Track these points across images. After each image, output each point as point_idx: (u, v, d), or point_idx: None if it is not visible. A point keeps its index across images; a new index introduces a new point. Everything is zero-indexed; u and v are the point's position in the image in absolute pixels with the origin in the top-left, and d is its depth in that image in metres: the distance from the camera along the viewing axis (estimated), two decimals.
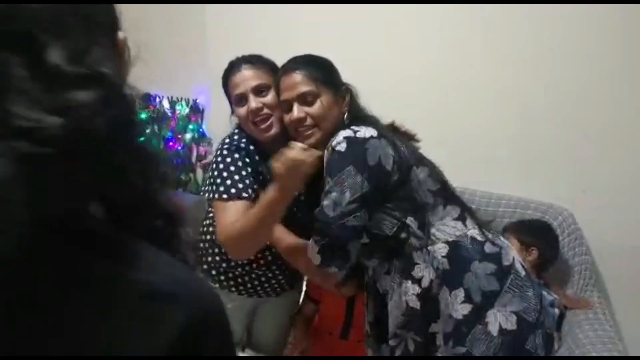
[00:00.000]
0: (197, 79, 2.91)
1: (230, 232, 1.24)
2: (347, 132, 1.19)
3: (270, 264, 1.49)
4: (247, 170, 1.34)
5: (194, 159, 3.10)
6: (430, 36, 2.16)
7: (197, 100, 2.96)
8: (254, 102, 1.32)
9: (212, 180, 1.34)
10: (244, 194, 1.30)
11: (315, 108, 1.27)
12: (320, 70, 1.31)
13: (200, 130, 2.99)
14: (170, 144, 3.08)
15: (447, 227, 1.22)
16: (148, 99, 3.08)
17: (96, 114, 0.41)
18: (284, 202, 1.21)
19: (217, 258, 1.53)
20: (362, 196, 1.14)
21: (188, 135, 2.98)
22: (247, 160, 1.36)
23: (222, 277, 1.55)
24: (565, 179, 2.06)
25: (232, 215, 1.27)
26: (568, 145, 2.03)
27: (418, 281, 1.21)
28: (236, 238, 1.24)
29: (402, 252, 1.23)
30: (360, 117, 1.29)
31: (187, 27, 2.77)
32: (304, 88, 1.26)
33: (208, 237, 1.55)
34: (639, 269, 2.00)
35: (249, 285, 1.54)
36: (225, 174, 1.33)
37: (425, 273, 1.20)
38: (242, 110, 1.34)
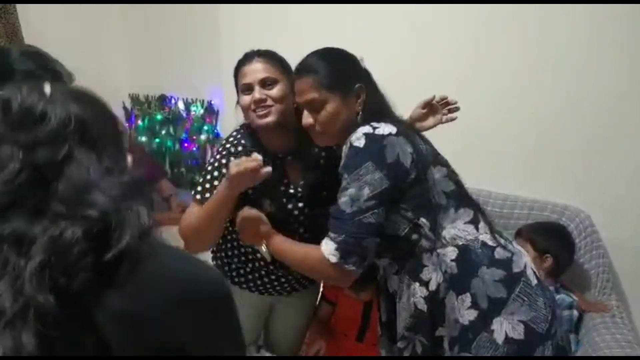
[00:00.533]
0: (211, 81, 2.93)
1: (184, 225, 1.37)
2: (366, 129, 1.16)
3: (276, 262, 1.48)
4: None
5: (208, 160, 3.11)
6: (440, 36, 2.15)
7: (212, 102, 2.98)
8: (258, 92, 1.37)
9: (199, 180, 1.43)
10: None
11: (322, 116, 1.25)
12: (331, 74, 1.25)
13: (215, 131, 3.01)
14: (186, 145, 3.11)
15: (458, 231, 1.20)
16: (164, 100, 3.11)
17: None
18: (231, 200, 1.31)
19: (230, 253, 1.56)
20: (380, 193, 1.12)
21: (203, 137, 3.01)
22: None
23: (234, 274, 1.58)
24: (582, 180, 2.04)
25: (188, 211, 1.39)
26: (584, 146, 2.01)
27: (426, 284, 1.19)
28: (190, 231, 1.36)
29: (412, 253, 1.21)
30: (377, 114, 1.24)
31: (201, 28, 2.80)
32: (310, 96, 1.25)
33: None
34: None
35: (259, 282, 1.56)
36: (208, 177, 1.41)
37: (433, 276, 1.19)
38: (246, 99, 1.38)
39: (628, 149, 1.94)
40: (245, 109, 1.40)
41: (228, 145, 1.44)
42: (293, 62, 1.38)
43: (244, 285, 1.57)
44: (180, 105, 3.07)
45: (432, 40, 2.17)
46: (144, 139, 3.16)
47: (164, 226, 2.61)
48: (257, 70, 1.39)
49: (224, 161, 1.40)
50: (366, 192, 1.12)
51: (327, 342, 1.73)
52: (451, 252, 1.18)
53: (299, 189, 1.44)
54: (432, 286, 1.18)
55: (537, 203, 2.01)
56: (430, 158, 1.22)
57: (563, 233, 1.91)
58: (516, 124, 2.08)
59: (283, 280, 1.56)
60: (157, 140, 3.17)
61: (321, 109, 1.25)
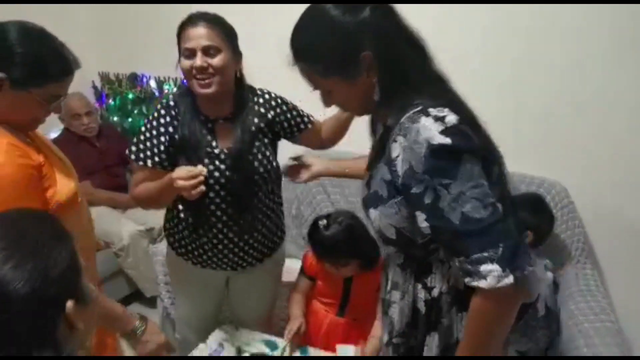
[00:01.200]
0: None
1: (132, 195, 1.51)
2: (432, 124, 0.90)
3: (224, 236, 1.51)
4: (164, 138, 1.43)
5: None
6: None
7: (185, 80, 2.91)
8: (200, 59, 1.35)
9: (133, 140, 1.48)
10: (148, 162, 1.44)
11: (337, 103, 1.08)
12: (321, 55, 1.01)
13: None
14: None
15: None
16: (135, 79, 3.03)
17: None
18: (173, 192, 1.33)
19: (180, 227, 1.56)
20: (495, 175, 0.96)
21: None
22: (172, 126, 1.44)
23: (184, 250, 1.57)
24: (559, 152, 2.06)
25: (135, 179, 1.49)
26: (560, 118, 2.02)
27: (429, 290, 1.07)
28: (136, 201, 1.52)
29: (424, 258, 1.06)
30: (401, 85, 0.95)
31: (174, 6, 2.71)
32: (315, 85, 1.04)
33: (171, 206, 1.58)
34: (632, 242, 2.02)
35: (211, 258, 1.55)
36: (142, 137, 1.46)
37: (437, 285, 1.05)
38: (187, 63, 1.37)
39: (604, 120, 1.96)
40: (187, 74, 1.39)
41: (163, 107, 1.48)
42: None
43: (195, 261, 1.55)
44: (152, 84, 2.99)
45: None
46: (115, 118, 3.08)
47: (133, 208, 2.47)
48: (200, 35, 1.36)
49: (161, 121, 1.45)
50: (485, 184, 0.90)
51: (308, 317, 1.73)
52: None
53: (225, 151, 1.44)
54: (434, 293, 1.06)
55: (514, 176, 2.03)
56: (495, 150, 1.02)
57: (541, 204, 1.93)
58: (494, 97, 2.08)
59: (235, 255, 1.54)
60: (129, 119, 3.09)
61: (331, 98, 1.04)
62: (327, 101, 1.04)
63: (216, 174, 1.43)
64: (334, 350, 1.59)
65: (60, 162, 1.12)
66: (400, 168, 0.93)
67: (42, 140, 1.21)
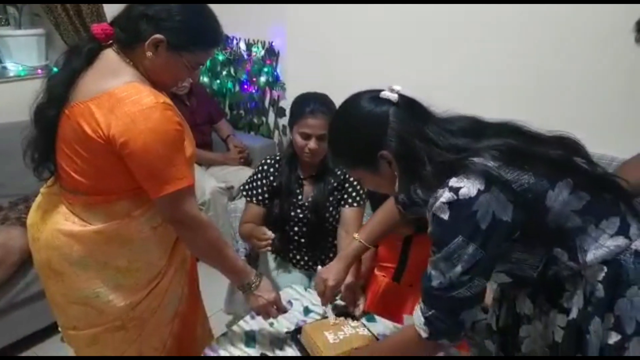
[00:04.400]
0: (273, 21, 2.89)
1: (241, 230, 1.80)
2: (447, 195, 0.95)
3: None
4: (269, 181, 1.80)
5: (267, 103, 3.13)
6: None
7: (273, 43, 2.95)
8: (314, 143, 1.69)
9: (247, 180, 1.86)
10: (253, 199, 1.82)
11: (372, 186, 1.19)
12: (346, 153, 1.12)
13: (275, 73, 3.00)
14: (245, 87, 3.12)
15: (605, 249, 0.99)
16: (225, 40, 3.11)
17: None
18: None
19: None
20: (476, 266, 0.96)
21: (262, 79, 3.01)
22: (272, 173, 1.82)
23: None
24: None
25: (246, 216, 1.83)
26: None
27: (566, 311, 1.03)
28: (241, 236, 1.84)
29: (552, 282, 1.04)
30: (418, 167, 1.01)
31: None
32: (350, 174, 1.25)
33: None
34: None
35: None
36: (254, 177, 1.84)
37: (574, 301, 1.02)
38: (302, 142, 1.71)
39: None
40: (299, 149, 1.73)
41: (271, 159, 1.86)
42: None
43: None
44: (242, 46, 3.06)
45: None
46: (205, 79, 3.20)
47: (222, 165, 2.68)
48: (319, 126, 1.66)
49: (266, 167, 1.83)
50: (459, 269, 0.96)
51: (367, 285, 1.76)
52: (598, 272, 0.99)
53: (309, 200, 1.78)
54: (573, 314, 1.02)
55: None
56: (545, 182, 0.97)
57: None
58: None
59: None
60: (218, 81, 3.20)
61: (365, 184, 1.25)
62: (363, 184, 1.18)
63: (296, 219, 1.79)
64: (398, 319, 1.60)
65: (184, 121, 1.23)
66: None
67: None
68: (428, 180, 1.00)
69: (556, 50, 2.04)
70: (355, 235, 1.42)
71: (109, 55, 1.14)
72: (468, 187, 0.94)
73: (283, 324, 1.44)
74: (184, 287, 1.40)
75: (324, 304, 1.45)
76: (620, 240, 0.99)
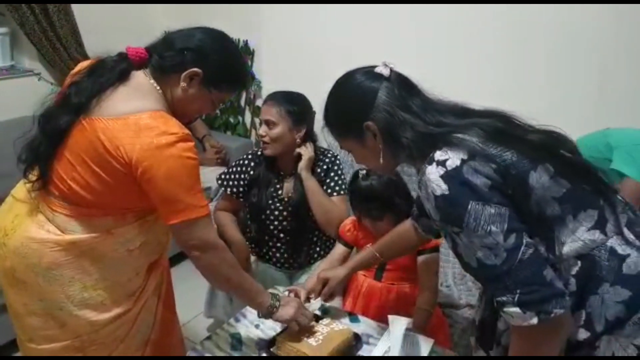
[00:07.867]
0: (248, 19, 2.85)
1: (218, 226, 1.79)
2: (435, 170, 0.95)
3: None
4: (248, 174, 1.87)
5: (242, 102, 3.09)
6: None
7: (248, 41, 2.91)
8: (263, 129, 1.79)
9: (225, 172, 1.92)
10: (227, 190, 1.90)
11: (360, 159, 1.17)
12: (335, 124, 1.15)
13: (250, 72, 2.96)
14: None
15: (581, 243, 0.98)
16: None
17: None
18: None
19: (247, 233, 1.94)
20: (509, 221, 0.92)
21: None
22: (252, 167, 1.88)
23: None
24: None
25: (220, 204, 1.94)
26: None
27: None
28: (216, 222, 1.85)
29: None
30: (399, 138, 1.02)
31: None
32: (341, 145, 1.18)
33: None
34: None
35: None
36: (232, 170, 1.90)
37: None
38: (260, 129, 1.83)
39: None
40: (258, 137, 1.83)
41: (252, 155, 1.91)
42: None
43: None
44: None
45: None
46: None
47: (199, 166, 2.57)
48: (267, 112, 1.79)
49: (246, 162, 1.89)
50: (495, 231, 0.92)
51: (348, 284, 1.74)
52: (573, 266, 0.99)
53: (289, 196, 1.84)
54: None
55: None
56: (526, 162, 0.97)
57: None
58: None
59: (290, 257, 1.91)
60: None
61: (354, 157, 1.17)
62: (355, 159, 1.17)
63: (276, 212, 1.85)
64: (381, 317, 1.58)
65: None
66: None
67: None
68: (410, 150, 1.02)
69: (551, 51, 2.06)
70: (368, 245, 1.49)
71: (139, 79, 1.16)
72: (452, 157, 0.95)
73: (269, 325, 1.41)
74: (156, 315, 1.35)
75: (315, 298, 1.47)
76: (597, 235, 0.98)
